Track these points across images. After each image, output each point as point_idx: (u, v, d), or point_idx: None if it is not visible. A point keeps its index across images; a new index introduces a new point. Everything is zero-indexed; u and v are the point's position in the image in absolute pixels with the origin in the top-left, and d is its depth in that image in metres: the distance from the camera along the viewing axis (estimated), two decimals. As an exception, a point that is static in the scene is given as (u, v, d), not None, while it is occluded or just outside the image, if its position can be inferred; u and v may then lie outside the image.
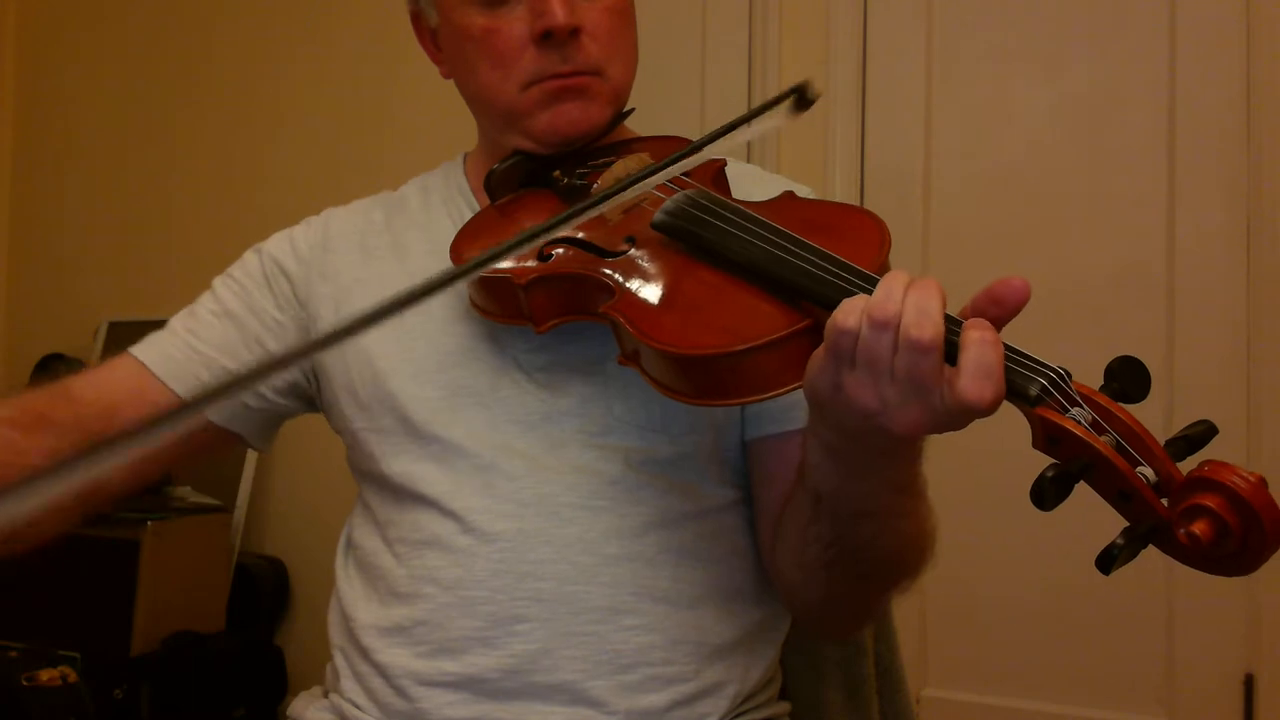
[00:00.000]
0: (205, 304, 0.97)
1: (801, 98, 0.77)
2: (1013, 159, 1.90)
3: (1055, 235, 1.83)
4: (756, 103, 2.02)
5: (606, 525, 0.84)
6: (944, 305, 0.59)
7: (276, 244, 0.99)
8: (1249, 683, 1.73)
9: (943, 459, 1.72)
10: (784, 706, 0.94)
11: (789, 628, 0.94)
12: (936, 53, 1.96)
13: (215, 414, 0.93)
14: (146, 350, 0.94)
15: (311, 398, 0.98)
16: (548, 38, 0.85)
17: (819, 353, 0.63)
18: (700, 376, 0.69)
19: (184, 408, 0.52)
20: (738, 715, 0.87)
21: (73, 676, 1.82)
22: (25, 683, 1.79)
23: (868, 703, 1.00)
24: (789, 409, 0.85)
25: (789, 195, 0.84)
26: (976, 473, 1.81)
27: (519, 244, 0.63)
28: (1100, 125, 1.85)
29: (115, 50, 2.69)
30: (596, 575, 0.83)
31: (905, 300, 0.59)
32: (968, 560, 1.85)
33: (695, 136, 0.92)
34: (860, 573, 0.77)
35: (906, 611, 1.64)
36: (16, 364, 2.72)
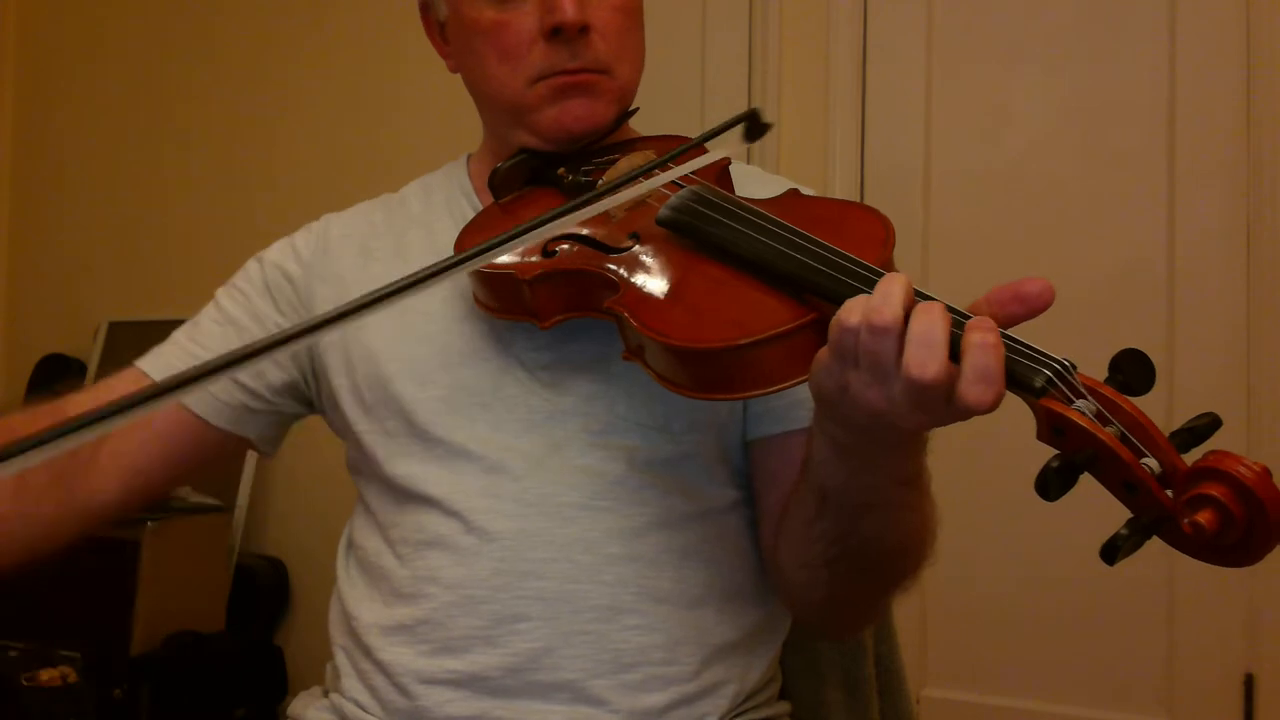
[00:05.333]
0: (208, 314, 0.97)
1: (753, 125, 0.77)
2: (1013, 159, 1.90)
3: (1055, 235, 1.83)
4: (757, 104, 2.02)
5: (609, 525, 0.84)
6: (949, 331, 0.59)
7: (278, 250, 0.99)
8: (1249, 683, 1.73)
9: (944, 460, 1.72)
10: (784, 706, 0.94)
11: (789, 628, 0.94)
12: (936, 53, 1.96)
13: (220, 418, 0.93)
14: (149, 360, 0.94)
15: (310, 399, 0.97)
16: (557, 33, 0.85)
17: (825, 351, 0.63)
18: (704, 370, 0.69)
19: (160, 390, 0.48)
20: (738, 715, 0.88)
21: (73, 676, 1.82)
22: (25, 683, 1.79)
23: (868, 703, 1.00)
24: (791, 408, 0.85)
25: (793, 192, 0.84)
26: (977, 473, 1.81)
27: (521, 233, 0.64)
28: (1100, 125, 1.85)
29: (115, 50, 2.69)
30: (598, 575, 0.83)
31: (910, 327, 0.59)
32: (968, 560, 1.85)
33: (695, 136, 0.93)
34: (863, 569, 0.77)
35: (906, 611, 1.64)
36: (16, 364, 2.72)
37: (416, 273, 0.57)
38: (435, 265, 0.59)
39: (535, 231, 0.65)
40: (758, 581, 0.90)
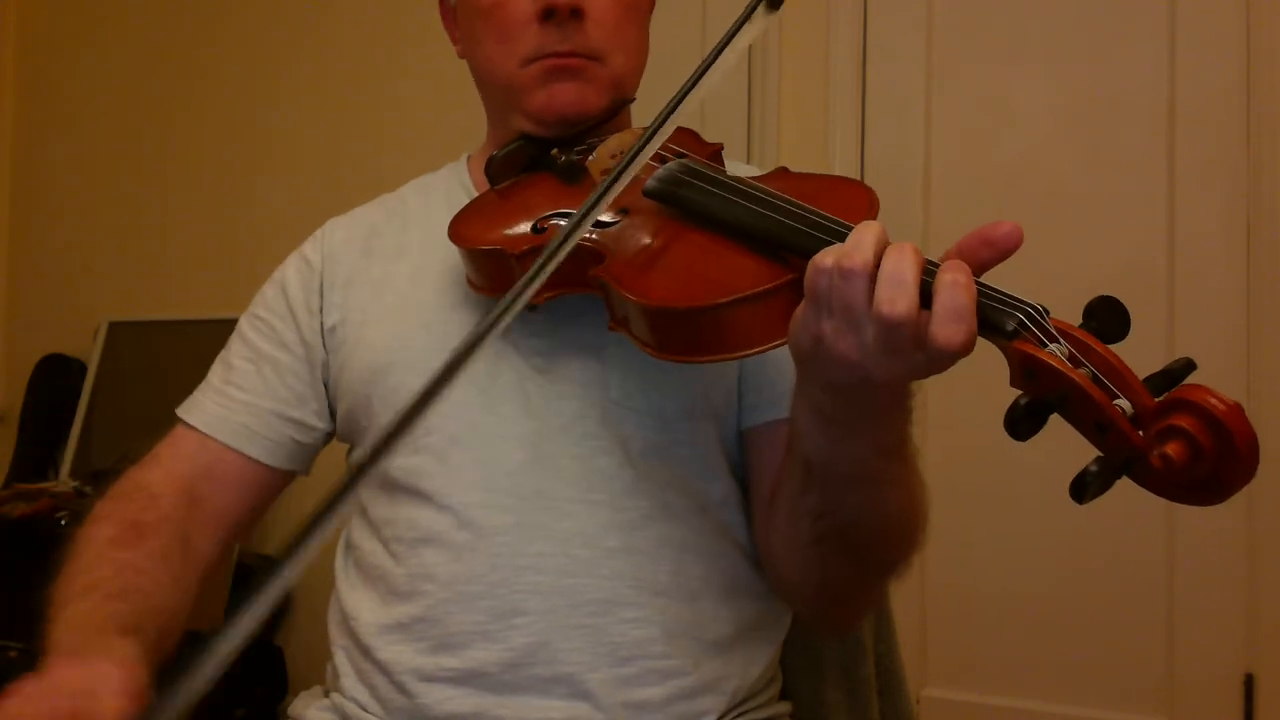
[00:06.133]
0: (237, 351, 0.98)
1: None
2: (1013, 159, 1.90)
3: (1055, 235, 1.83)
4: (757, 104, 2.02)
5: (605, 519, 0.84)
6: (920, 270, 0.59)
7: (293, 268, 1.00)
8: (1249, 683, 1.73)
9: (942, 461, 1.72)
10: (785, 706, 0.94)
11: (790, 626, 0.94)
12: (936, 53, 1.96)
13: (276, 459, 0.96)
14: (197, 414, 0.95)
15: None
16: (550, 16, 0.87)
17: (802, 304, 0.64)
18: (685, 331, 0.70)
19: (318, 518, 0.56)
20: (738, 714, 0.87)
21: (73, 676, 1.82)
22: (25, 683, 1.79)
23: (868, 703, 1.00)
24: (785, 396, 0.85)
25: (782, 169, 0.85)
26: (976, 474, 1.82)
27: (561, 244, 0.65)
28: (1100, 125, 1.85)
29: (116, 51, 2.69)
30: (595, 568, 0.83)
31: (881, 267, 0.59)
32: (967, 560, 1.85)
33: (694, 130, 0.93)
34: (852, 549, 0.76)
35: (906, 611, 1.65)
36: (16, 364, 2.72)
37: (464, 340, 0.60)
38: (478, 327, 0.61)
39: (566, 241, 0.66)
40: (757, 576, 0.90)
